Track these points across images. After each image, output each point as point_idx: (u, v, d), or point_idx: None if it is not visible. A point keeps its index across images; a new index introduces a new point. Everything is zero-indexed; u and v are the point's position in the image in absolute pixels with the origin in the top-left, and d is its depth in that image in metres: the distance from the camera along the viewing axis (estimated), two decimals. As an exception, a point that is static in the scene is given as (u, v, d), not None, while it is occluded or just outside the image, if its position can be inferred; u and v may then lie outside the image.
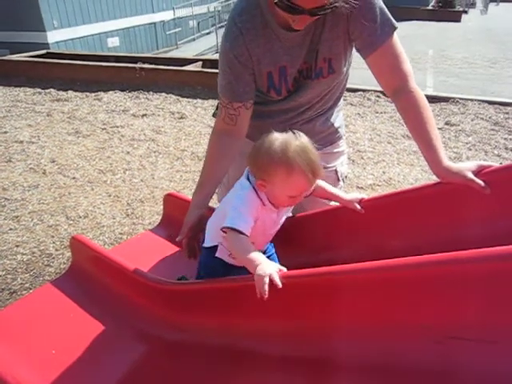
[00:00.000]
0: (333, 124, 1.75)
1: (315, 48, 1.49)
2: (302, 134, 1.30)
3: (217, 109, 1.88)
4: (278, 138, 1.27)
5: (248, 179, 1.36)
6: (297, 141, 1.26)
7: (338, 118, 1.79)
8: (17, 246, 2.89)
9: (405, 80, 1.47)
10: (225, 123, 1.58)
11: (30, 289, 2.49)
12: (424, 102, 1.45)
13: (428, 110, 1.44)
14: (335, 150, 1.81)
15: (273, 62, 1.49)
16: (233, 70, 1.50)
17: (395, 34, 1.46)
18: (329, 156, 1.77)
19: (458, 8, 23.29)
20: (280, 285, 1.10)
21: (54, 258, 2.79)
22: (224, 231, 1.29)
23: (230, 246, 1.30)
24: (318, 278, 1.14)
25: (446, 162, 1.36)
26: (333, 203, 1.68)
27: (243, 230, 1.26)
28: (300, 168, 1.24)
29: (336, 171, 1.83)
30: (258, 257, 1.19)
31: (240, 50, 1.46)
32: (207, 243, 1.54)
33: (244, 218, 1.28)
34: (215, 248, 1.51)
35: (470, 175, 1.29)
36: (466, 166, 1.32)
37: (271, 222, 1.44)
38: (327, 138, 1.75)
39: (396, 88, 1.48)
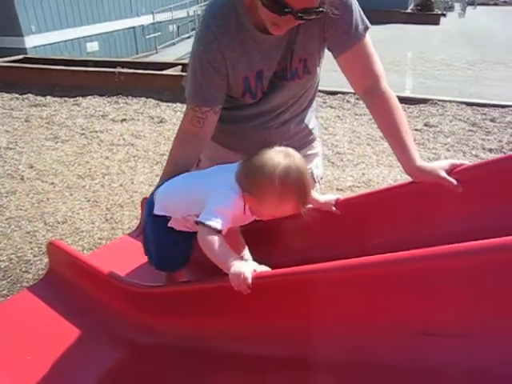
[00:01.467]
0: (307, 125, 1.74)
1: (290, 48, 1.46)
2: (300, 158, 1.29)
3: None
4: (281, 162, 1.24)
5: (238, 183, 1.32)
6: (298, 169, 1.25)
7: (312, 120, 1.79)
8: (-7, 253, 2.84)
9: (376, 80, 1.47)
10: (191, 125, 1.54)
11: (8, 295, 2.44)
12: (396, 102, 1.46)
13: (400, 110, 1.45)
14: (310, 152, 1.80)
15: (249, 66, 1.46)
16: (205, 74, 1.46)
17: (367, 34, 1.46)
18: (304, 158, 1.76)
19: (437, 11, 23.59)
20: (251, 284, 1.11)
21: (31, 264, 2.75)
22: (197, 222, 1.28)
23: (202, 243, 1.27)
24: (292, 277, 1.15)
25: (419, 161, 1.37)
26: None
27: (222, 231, 1.26)
28: (293, 198, 1.25)
29: (312, 173, 1.83)
30: (231, 257, 1.20)
31: (214, 55, 1.42)
32: (158, 210, 1.49)
33: (225, 219, 1.27)
34: (166, 218, 1.49)
35: (443, 174, 1.31)
36: (439, 165, 1.34)
37: (240, 223, 1.45)
38: (302, 140, 1.74)
39: (367, 88, 1.48)
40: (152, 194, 1.56)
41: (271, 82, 1.53)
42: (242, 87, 1.51)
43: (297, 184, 1.24)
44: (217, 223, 1.24)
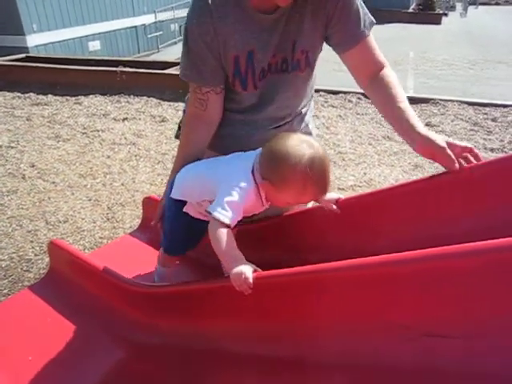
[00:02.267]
0: (307, 125, 1.74)
1: (292, 38, 1.44)
2: (323, 151, 1.28)
3: (179, 129, 1.84)
4: (306, 153, 1.22)
5: (253, 173, 1.32)
6: (322, 160, 1.24)
7: (311, 119, 1.78)
8: (-5, 252, 2.84)
9: (381, 67, 1.48)
10: (195, 108, 1.53)
11: (9, 295, 2.44)
12: (397, 83, 1.45)
13: (400, 87, 1.44)
14: None
15: (240, 44, 1.41)
16: (198, 50, 1.43)
17: (371, 30, 1.46)
18: None
19: (438, 11, 23.58)
20: (252, 284, 1.11)
21: (33, 263, 2.75)
22: (208, 212, 1.28)
23: (211, 235, 1.26)
24: (293, 277, 1.15)
25: (423, 129, 1.33)
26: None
27: (231, 225, 1.25)
28: (315, 190, 1.26)
29: None
30: (236, 256, 1.20)
31: (206, 28, 1.38)
32: (175, 194, 1.51)
33: (236, 213, 1.26)
34: (183, 202, 1.51)
35: (443, 144, 1.27)
36: (443, 138, 1.30)
37: (252, 212, 1.44)
38: None
39: (372, 74, 1.47)
40: (171, 182, 1.58)
41: (266, 78, 1.49)
42: (232, 69, 1.46)
43: (320, 175, 1.24)
44: (225, 217, 1.24)
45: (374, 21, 1.47)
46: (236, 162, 1.38)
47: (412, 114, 1.37)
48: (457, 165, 1.27)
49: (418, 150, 1.35)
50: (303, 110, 1.69)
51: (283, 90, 1.52)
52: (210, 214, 1.26)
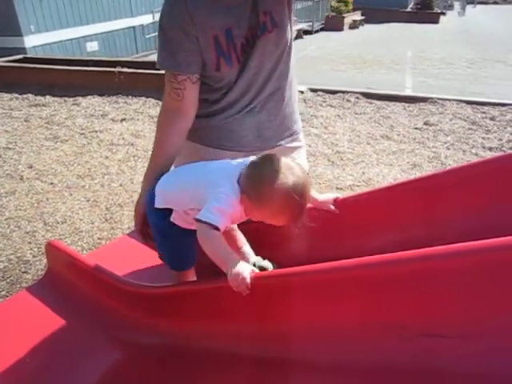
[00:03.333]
0: (291, 113, 1.70)
1: (256, 5, 1.45)
2: (304, 174, 1.28)
3: None
4: (288, 174, 1.22)
5: (238, 183, 1.31)
6: (303, 186, 1.24)
7: (296, 110, 1.75)
8: (-7, 254, 2.84)
9: None
10: (171, 99, 1.52)
11: (7, 296, 2.44)
12: None
13: None
14: (296, 144, 1.76)
15: (218, 24, 1.42)
16: (174, 38, 1.43)
17: None
18: (290, 151, 1.71)
19: (436, 10, 23.61)
20: (249, 284, 1.10)
21: (31, 264, 2.74)
22: (196, 220, 1.27)
23: (202, 241, 1.26)
24: (291, 278, 1.14)
25: None
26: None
27: (220, 228, 1.25)
28: (292, 214, 1.25)
29: None
30: (232, 257, 1.20)
31: (182, 16, 1.39)
32: (159, 203, 1.48)
33: (224, 219, 1.27)
34: (167, 211, 1.48)
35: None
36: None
37: (237, 221, 1.45)
38: (289, 131, 1.70)
39: None
40: (153, 187, 1.53)
41: (245, 51, 1.49)
42: (214, 49, 1.46)
43: (297, 205, 1.23)
44: (215, 221, 1.24)
45: None
46: (224, 171, 1.37)
47: None
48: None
49: None
50: (283, 90, 1.65)
51: (257, 54, 1.51)
52: (197, 220, 1.26)
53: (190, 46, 1.44)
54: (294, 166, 1.27)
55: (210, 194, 1.30)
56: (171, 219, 1.48)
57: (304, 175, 1.27)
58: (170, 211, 1.48)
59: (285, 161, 1.27)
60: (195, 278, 1.68)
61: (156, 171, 1.56)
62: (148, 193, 1.54)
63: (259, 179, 1.26)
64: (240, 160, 1.38)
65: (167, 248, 1.60)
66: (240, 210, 1.33)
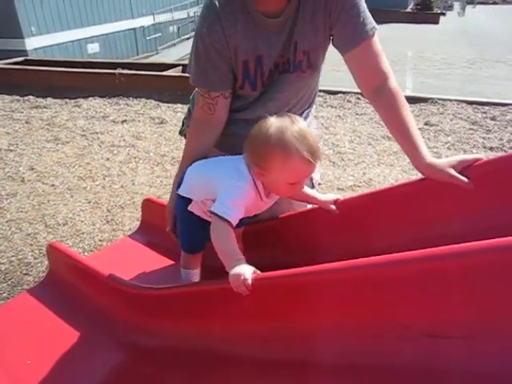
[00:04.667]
0: (309, 125, 1.74)
1: (294, 40, 1.46)
2: (299, 118, 1.29)
3: (183, 125, 1.88)
4: (273, 122, 1.26)
5: (248, 169, 1.33)
6: (294, 125, 1.24)
7: (313, 122, 1.78)
8: (-6, 256, 2.84)
9: (385, 78, 1.46)
10: (203, 112, 1.56)
11: (8, 298, 2.43)
12: (404, 100, 1.45)
13: (408, 108, 1.45)
14: None
15: (250, 49, 1.45)
16: (209, 57, 1.45)
17: (376, 35, 1.47)
18: None
19: (436, 10, 23.62)
20: (250, 286, 1.11)
21: (32, 266, 2.74)
22: (210, 212, 1.30)
23: (213, 233, 1.28)
24: (293, 279, 1.14)
25: (429, 158, 1.35)
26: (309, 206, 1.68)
27: (232, 222, 1.26)
28: (297, 150, 1.22)
29: (311, 178, 1.81)
30: (236, 256, 1.20)
31: (217, 36, 1.42)
32: (182, 191, 1.53)
33: (237, 212, 1.28)
34: (188, 200, 1.52)
35: (453, 172, 1.28)
36: (449, 163, 1.31)
37: (253, 211, 1.45)
38: None
39: (376, 86, 1.47)
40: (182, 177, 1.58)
41: (271, 74, 1.51)
42: (242, 73, 1.49)
43: (295, 135, 1.23)
44: (228, 215, 1.25)
45: (376, 26, 1.46)
46: (234, 162, 1.39)
47: (420, 141, 1.39)
48: (470, 184, 1.28)
49: (428, 177, 1.37)
50: (304, 111, 1.69)
51: (284, 89, 1.54)
52: (211, 213, 1.28)
53: (223, 66, 1.47)
54: (283, 115, 1.28)
55: (221, 185, 1.32)
56: (189, 208, 1.52)
57: (291, 114, 1.29)
58: (190, 199, 1.53)
59: (272, 117, 1.29)
60: (199, 268, 1.70)
61: (183, 170, 1.59)
62: (174, 186, 1.61)
63: (250, 143, 1.30)
64: None
65: (183, 230, 1.64)
66: (255, 196, 1.34)
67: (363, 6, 1.44)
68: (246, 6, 1.40)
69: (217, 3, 1.41)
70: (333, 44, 1.51)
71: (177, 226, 1.66)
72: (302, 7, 1.41)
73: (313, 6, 1.42)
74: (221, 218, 1.25)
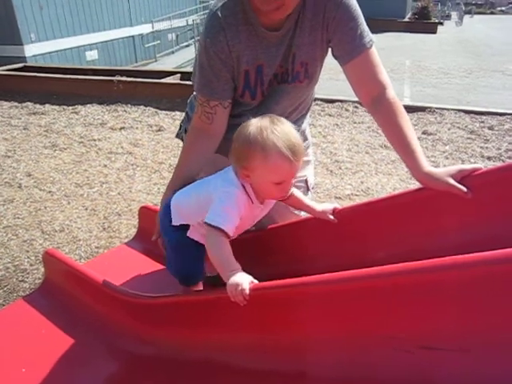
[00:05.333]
0: (303, 131, 1.75)
1: (292, 51, 1.49)
2: (281, 118, 1.30)
3: (180, 129, 1.88)
4: (254, 123, 1.28)
5: (236, 175, 1.34)
6: (273, 124, 1.26)
7: (307, 127, 1.81)
8: (-10, 262, 2.82)
9: (384, 89, 1.48)
10: (201, 121, 1.57)
11: (3, 305, 2.42)
12: (403, 110, 1.47)
13: (407, 118, 1.46)
14: (305, 159, 1.79)
15: (251, 59, 1.48)
16: (212, 66, 1.48)
17: (374, 47, 1.49)
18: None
19: (434, 20, 23.81)
20: (248, 295, 1.10)
21: (28, 273, 2.73)
22: (204, 223, 1.28)
23: (208, 243, 1.28)
24: (288, 289, 1.14)
25: (428, 167, 1.36)
26: (304, 214, 1.67)
27: (228, 232, 1.26)
28: (276, 147, 1.22)
29: (306, 181, 1.83)
30: (233, 266, 1.19)
31: (220, 46, 1.45)
32: (176, 221, 1.50)
33: (231, 219, 1.27)
34: (185, 226, 1.50)
35: (452, 181, 1.28)
36: (448, 172, 1.31)
37: (252, 219, 1.45)
38: None
39: (375, 97, 1.49)
40: (168, 201, 1.55)
41: (272, 86, 1.55)
42: (242, 82, 1.52)
43: (274, 132, 1.24)
44: (221, 224, 1.25)
45: (374, 39, 1.49)
46: (221, 173, 1.41)
47: (419, 150, 1.40)
48: (468, 193, 1.27)
49: (425, 186, 1.38)
50: (300, 118, 1.72)
51: (283, 99, 1.57)
52: (205, 223, 1.27)
53: (226, 75, 1.50)
54: (254, 120, 1.30)
55: (214, 197, 1.32)
56: (188, 234, 1.50)
57: (278, 119, 1.29)
58: (185, 227, 1.51)
59: (254, 119, 1.30)
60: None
61: (177, 183, 1.59)
62: (162, 210, 1.58)
63: (235, 144, 1.31)
64: None
65: (178, 263, 1.61)
66: (247, 201, 1.34)
67: (361, 19, 1.47)
68: (249, 19, 1.43)
69: (220, 14, 1.43)
70: (332, 55, 1.54)
71: (169, 260, 1.64)
72: (301, 20, 1.45)
73: (311, 20, 1.45)
74: (214, 227, 1.25)
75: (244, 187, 1.33)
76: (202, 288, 1.68)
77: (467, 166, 1.32)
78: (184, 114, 1.86)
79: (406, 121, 1.45)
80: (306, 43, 1.48)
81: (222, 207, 1.28)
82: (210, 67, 1.48)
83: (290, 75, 1.53)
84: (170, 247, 1.59)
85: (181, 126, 1.88)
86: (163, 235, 1.60)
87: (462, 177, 1.29)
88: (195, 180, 1.58)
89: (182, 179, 1.59)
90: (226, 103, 1.53)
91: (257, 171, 1.27)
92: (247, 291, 1.11)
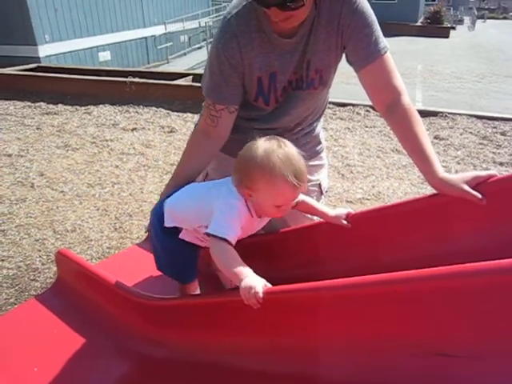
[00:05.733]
0: (317, 135, 1.77)
1: (306, 58, 1.50)
2: (287, 142, 1.31)
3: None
4: (261, 145, 1.28)
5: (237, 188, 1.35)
6: (280, 148, 1.26)
7: (321, 130, 1.82)
8: (2, 261, 2.84)
9: (398, 95, 1.48)
10: (206, 123, 1.58)
11: (15, 304, 2.44)
12: (418, 116, 1.47)
13: (421, 123, 1.47)
14: (319, 163, 1.82)
15: (264, 66, 1.49)
16: (222, 71, 1.49)
17: (388, 53, 1.50)
18: (312, 169, 1.77)
19: (446, 24, 23.72)
20: (261, 299, 1.10)
21: (40, 272, 2.75)
22: (207, 234, 1.29)
23: (215, 255, 1.28)
24: (303, 293, 1.13)
25: (442, 173, 1.36)
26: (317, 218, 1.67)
27: (231, 241, 1.26)
28: (282, 174, 1.23)
29: (320, 185, 1.83)
30: (245, 270, 1.19)
31: (232, 52, 1.45)
32: (168, 222, 1.51)
33: (233, 229, 1.28)
34: (175, 228, 1.51)
35: (466, 187, 1.28)
36: (462, 178, 1.31)
37: (249, 231, 1.45)
38: (312, 150, 1.77)
39: (390, 103, 1.49)
40: (160, 204, 1.57)
41: (285, 91, 1.55)
42: (256, 88, 1.53)
43: (281, 158, 1.25)
44: (225, 234, 1.26)
45: (388, 46, 1.50)
46: (225, 183, 1.41)
47: (433, 156, 1.40)
48: (483, 200, 1.27)
49: (440, 192, 1.37)
50: (314, 121, 1.74)
51: (298, 105, 1.58)
52: (209, 235, 1.28)
53: (236, 80, 1.51)
54: (269, 138, 1.31)
55: (215, 208, 1.33)
56: (180, 236, 1.52)
57: (278, 137, 1.31)
58: (177, 229, 1.52)
59: (259, 140, 1.31)
60: (198, 290, 1.69)
61: (177, 182, 1.61)
62: (154, 212, 1.59)
63: (237, 164, 1.32)
64: None
65: (171, 264, 1.63)
66: (248, 213, 1.35)
67: (376, 25, 1.47)
68: (262, 26, 1.44)
69: (233, 21, 1.44)
70: (347, 61, 1.54)
71: (161, 261, 1.64)
72: (316, 28, 1.45)
73: (326, 27, 1.45)
74: (218, 238, 1.26)
75: (245, 200, 1.34)
76: (197, 285, 1.69)
77: (482, 173, 1.31)
78: (199, 115, 1.87)
79: (421, 127, 1.45)
80: (320, 50, 1.49)
81: (224, 218, 1.29)
82: (220, 72, 1.49)
83: (304, 82, 1.54)
84: (162, 249, 1.61)
85: (195, 127, 1.89)
86: (155, 239, 1.61)
87: (477, 183, 1.29)
88: (195, 180, 1.60)
89: (184, 178, 1.60)
90: (232, 108, 1.54)
91: (260, 192, 1.29)
92: (261, 294, 1.11)
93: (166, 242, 1.56)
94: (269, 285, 1.15)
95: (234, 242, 1.27)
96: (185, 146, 1.69)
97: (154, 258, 1.65)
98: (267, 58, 1.48)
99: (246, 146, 1.32)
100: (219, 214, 1.30)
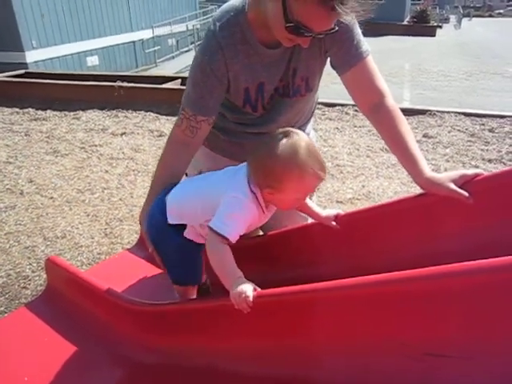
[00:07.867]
0: (308, 134, 1.76)
1: (292, 66, 1.50)
2: (300, 132, 1.30)
3: None
4: (283, 142, 1.25)
5: (248, 183, 1.31)
6: (302, 141, 1.25)
7: (311, 131, 1.83)
8: (-8, 269, 2.82)
9: (382, 97, 1.49)
10: (184, 134, 1.55)
11: (6, 312, 2.42)
12: (402, 116, 1.48)
13: (406, 124, 1.47)
14: None
15: (251, 78, 1.49)
16: (207, 83, 1.47)
17: (370, 55, 1.50)
18: None
19: (433, 23, 23.83)
20: (251, 303, 1.10)
21: (30, 280, 2.73)
22: (209, 227, 1.27)
23: (209, 249, 1.27)
24: (293, 296, 1.14)
25: (429, 172, 1.36)
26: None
27: (232, 240, 1.25)
28: (313, 170, 1.24)
29: None
30: (235, 274, 1.19)
31: (218, 65, 1.45)
32: (172, 219, 1.46)
33: (237, 227, 1.27)
34: (180, 226, 1.47)
35: (453, 186, 1.28)
36: (449, 177, 1.31)
37: (257, 223, 1.44)
38: None
39: (373, 104, 1.50)
40: (153, 207, 1.52)
41: (274, 99, 1.56)
42: (243, 97, 1.53)
43: (308, 153, 1.24)
44: (226, 232, 1.24)
45: (369, 49, 1.51)
46: (232, 176, 1.38)
47: (419, 155, 1.40)
48: (470, 198, 1.27)
49: (427, 192, 1.38)
50: (304, 124, 1.75)
51: (285, 111, 1.59)
52: (210, 228, 1.26)
53: (219, 93, 1.50)
54: (280, 131, 1.29)
55: (222, 201, 1.30)
56: (185, 234, 1.48)
57: (294, 129, 1.30)
58: (182, 226, 1.48)
59: (274, 135, 1.29)
60: (195, 294, 1.67)
61: (157, 190, 1.58)
62: (153, 209, 1.53)
63: (262, 163, 1.27)
64: (243, 164, 1.39)
65: (177, 263, 1.57)
66: (257, 209, 1.33)
67: (357, 29, 1.48)
68: (247, 38, 1.44)
69: (218, 34, 1.44)
70: (331, 65, 1.55)
71: (165, 261, 1.58)
72: None
73: None
74: (218, 233, 1.24)
75: (257, 199, 1.32)
76: (195, 291, 1.65)
77: (469, 172, 1.32)
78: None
79: (406, 127, 1.46)
80: (305, 58, 1.49)
81: (229, 214, 1.27)
82: (203, 83, 1.48)
83: (291, 90, 1.54)
84: (169, 248, 1.54)
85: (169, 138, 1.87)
86: (160, 238, 1.54)
87: (464, 182, 1.29)
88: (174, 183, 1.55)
89: (161, 186, 1.57)
90: (211, 120, 1.54)
91: (286, 191, 1.27)
92: (251, 298, 1.11)
93: (175, 241, 1.50)
94: (258, 289, 1.15)
95: (234, 241, 1.26)
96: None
97: (157, 261, 1.60)
98: (254, 70, 1.48)
99: (265, 144, 1.28)
100: (224, 209, 1.27)
